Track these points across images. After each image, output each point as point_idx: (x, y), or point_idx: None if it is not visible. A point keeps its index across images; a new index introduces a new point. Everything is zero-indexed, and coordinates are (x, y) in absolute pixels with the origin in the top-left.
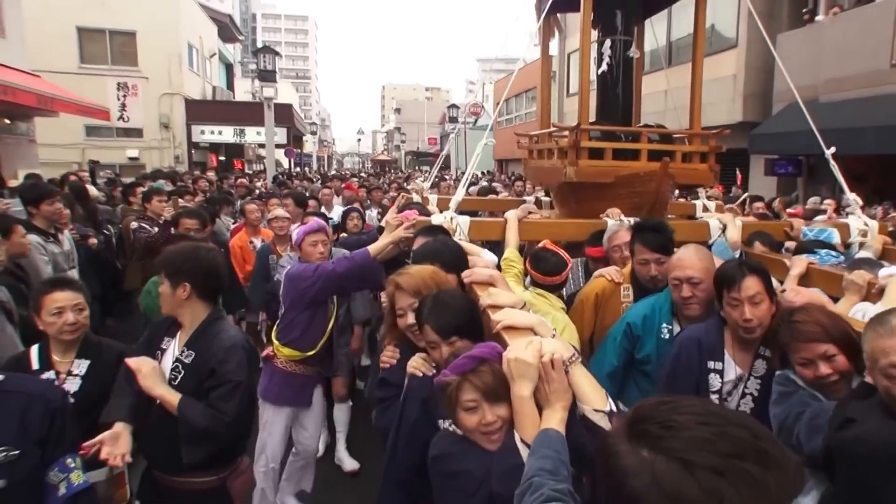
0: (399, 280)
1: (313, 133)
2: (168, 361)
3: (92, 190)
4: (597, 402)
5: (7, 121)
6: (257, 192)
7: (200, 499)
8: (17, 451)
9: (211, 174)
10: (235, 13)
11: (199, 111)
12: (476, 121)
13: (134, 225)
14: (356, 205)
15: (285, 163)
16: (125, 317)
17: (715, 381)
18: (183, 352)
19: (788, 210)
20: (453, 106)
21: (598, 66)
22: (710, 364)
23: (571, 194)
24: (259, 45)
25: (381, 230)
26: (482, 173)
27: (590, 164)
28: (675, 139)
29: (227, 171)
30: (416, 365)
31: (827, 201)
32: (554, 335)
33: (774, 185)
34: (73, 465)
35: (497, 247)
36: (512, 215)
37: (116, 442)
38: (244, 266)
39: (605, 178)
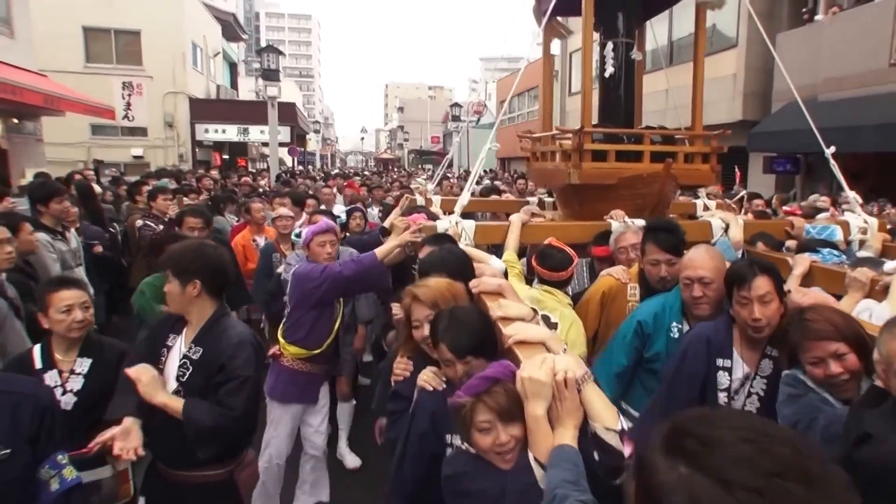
0: (416, 292)
1: (316, 131)
2: (175, 358)
3: (97, 188)
4: (609, 420)
5: (15, 120)
6: (261, 190)
7: (209, 491)
8: (8, 450)
9: (215, 173)
10: (239, 12)
11: (203, 110)
12: (479, 119)
13: (139, 223)
14: (358, 204)
15: (289, 161)
16: (130, 314)
17: (723, 378)
18: (190, 348)
19: (785, 208)
20: (456, 105)
21: (601, 68)
22: (719, 362)
23: (575, 196)
24: (263, 43)
25: (383, 230)
26: (485, 171)
27: (593, 166)
28: (677, 140)
29: (231, 170)
30: (427, 379)
31: (823, 198)
32: (565, 350)
33: (773, 182)
34: (63, 461)
35: (499, 250)
36: (516, 219)
37: (128, 436)
38: (246, 264)
39: (608, 179)
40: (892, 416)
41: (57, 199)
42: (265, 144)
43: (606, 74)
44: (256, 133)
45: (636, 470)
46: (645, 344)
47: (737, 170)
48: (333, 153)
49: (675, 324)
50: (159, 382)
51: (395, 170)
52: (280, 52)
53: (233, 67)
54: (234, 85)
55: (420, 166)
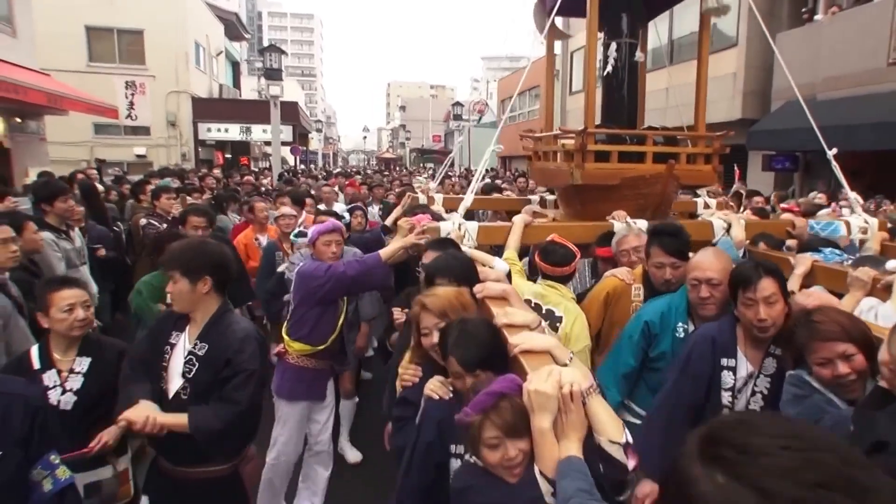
0: (425, 301)
1: (319, 130)
2: (179, 355)
3: (99, 187)
4: (613, 433)
5: (18, 119)
6: (263, 189)
7: (214, 486)
8: (0, 452)
9: (217, 172)
10: (242, 11)
11: (206, 109)
12: (480, 118)
13: (143, 221)
14: (359, 203)
15: (291, 160)
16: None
17: (728, 378)
18: (196, 345)
19: (782, 205)
20: (458, 104)
21: (605, 69)
22: (724, 361)
23: (577, 196)
24: (265, 43)
25: (384, 228)
26: (486, 170)
27: (596, 166)
28: (679, 140)
29: (234, 169)
30: (434, 388)
31: (819, 195)
32: (571, 358)
33: (772, 180)
34: (56, 461)
35: (502, 250)
36: (519, 220)
37: (142, 412)
38: (248, 262)
39: (611, 180)
40: None
41: (62, 198)
42: (267, 143)
43: (610, 75)
44: (259, 132)
45: (671, 477)
46: (650, 344)
47: (736, 168)
48: (335, 152)
49: (680, 324)
50: (154, 408)
51: (397, 169)
52: (282, 52)
53: (235, 67)
54: (236, 84)
55: (422, 165)
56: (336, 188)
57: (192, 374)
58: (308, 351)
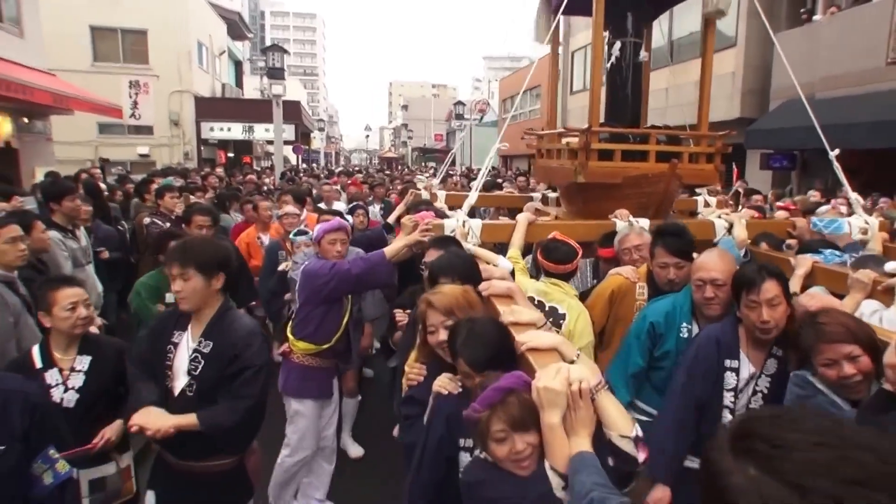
0: (432, 299)
1: (321, 129)
2: (183, 354)
3: (102, 186)
4: (623, 428)
5: (25, 119)
6: (265, 188)
7: (221, 479)
8: (2, 447)
9: (220, 171)
10: (244, 11)
11: (209, 108)
12: (482, 118)
13: (147, 220)
14: (359, 202)
15: (293, 159)
16: None
17: (731, 378)
18: (200, 342)
19: (778, 203)
20: (460, 103)
21: (609, 68)
22: (727, 362)
23: (579, 194)
24: (268, 42)
25: (386, 226)
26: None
27: (599, 165)
28: (681, 140)
29: (236, 168)
30: (443, 384)
31: (814, 193)
32: (578, 355)
33: (769, 179)
34: (55, 455)
35: (505, 248)
36: (523, 218)
37: (150, 417)
38: (250, 261)
39: (613, 179)
40: None
41: (69, 197)
42: (270, 142)
43: (614, 73)
44: (261, 131)
45: (702, 469)
46: (655, 344)
47: (735, 167)
48: (338, 151)
49: (684, 324)
50: (161, 412)
51: (399, 168)
52: (285, 51)
53: (238, 66)
54: (239, 83)
55: (423, 164)
56: (338, 187)
57: (199, 371)
58: (312, 350)
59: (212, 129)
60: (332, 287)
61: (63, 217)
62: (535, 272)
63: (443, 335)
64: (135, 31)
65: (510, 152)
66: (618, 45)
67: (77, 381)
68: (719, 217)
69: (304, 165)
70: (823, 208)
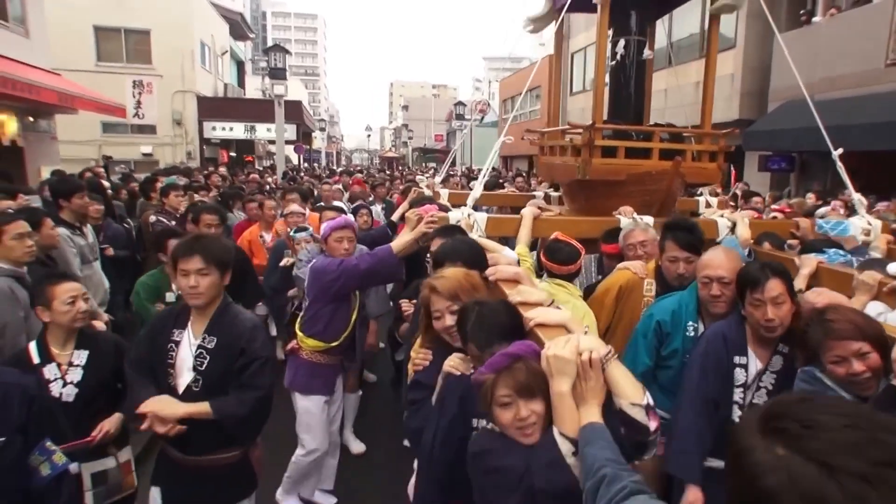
0: (435, 283)
1: (322, 129)
2: (186, 351)
3: (105, 184)
4: (634, 396)
5: (31, 119)
6: (268, 187)
7: (228, 472)
8: (3, 438)
9: (223, 170)
10: (246, 11)
11: (211, 108)
12: (482, 118)
13: (152, 219)
14: (360, 201)
15: (295, 159)
16: None
17: (740, 375)
18: (204, 338)
19: (773, 206)
20: (460, 103)
21: (612, 65)
22: (736, 359)
23: (581, 191)
24: (269, 42)
25: (390, 225)
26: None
27: (603, 162)
28: (684, 138)
29: (239, 167)
30: (454, 364)
31: (810, 195)
32: (586, 331)
33: (768, 180)
34: (52, 447)
35: (510, 243)
36: (528, 213)
37: (164, 403)
38: (252, 260)
39: (617, 176)
40: None
41: (79, 194)
42: (272, 142)
43: (618, 71)
44: (263, 131)
45: (729, 450)
46: (662, 343)
47: (732, 169)
48: (339, 151)
49: (690, 323)
50: (173, 400)
51: (399, 168)
52: (286, 51)
53: (240, 66)
54: (241, 83)
55: (424, 164)
56: (340, 186)
57: (204, 366)
58: (321, 347)
59: (214, 129)
60: (340, 284)
61: (71, 214)
62: (538, 272)
63: (449, 320)
64: (138, 31)
65: (510, 152)
66: (622, 42)
67: (75, 375)
68: (722, 216)
69: (306, 165)
70: (823, 210)
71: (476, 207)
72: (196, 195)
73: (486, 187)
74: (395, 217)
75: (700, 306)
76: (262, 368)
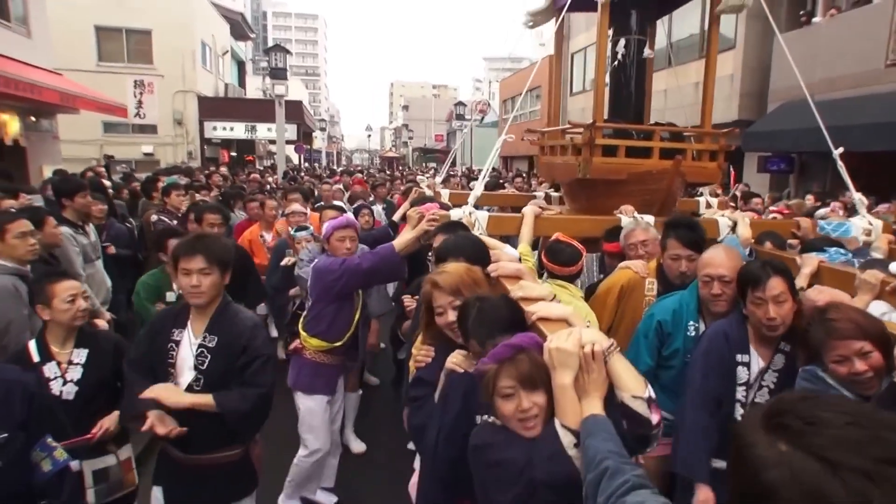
0: (437, 279)
1: (322, 129)
2: (187, 350)
3: (106, 184)
4: (636, 388)
5: (33, 118)
6: (268, 187)
7: (229, 470)
8: (6, 434)
9: (224, 170)
10: (247, 11)
11: (212, 108)
12: (483, 118)
13: (154, 218)
14: (360, 201)
15: (295, 158)
16: None
17: (743, 373)
18: (205, 337)
19: (771, 208)
20: (460, 103)
21: (613, 64)
22: (738, 357)
23: (582, 190)
24: (270, 42)
25: (392, 224)
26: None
27: (603, 161)
28: (685, 137)
29: (240, 167)
30: (457, 361)
31: (808, 196)
32: (589, 325)
33: (767, 182)
34: (53, 443)
35: (510, 242)
36: (529, 211)
37: (164, 420)
38: (253, 259)
39: (617, 175)
40: None
41: (82, 193)
42: (272, 142)
43: (618, 70)
44: (264, 131)
45: (732, 445)
46: (664, 343)
47: (731, 170)
48: (339, 151)
49: (691, 322)
50: (177, 388)
51: (399, 168)
52: (287, 52)
53: (241, 66)
54: (241, 83)
55: (423, 164)
56: (341, 186)
57: (206, 365)
58: (325, 347)
59: (215, 129)
60: (343, 283)
61: (74, 213)
62: (539, 273)
63: (451, 316)
64: (139, 31)
65: (510, 153)
66: (622, 42)
67: (75, 373)
68: (722, 216)
69: (306, 165)
70: (822, 211)
71: (477, 207)
72: (197, 195)
73: (487, 187)
74: (396, 217)
75: (701, 305)
76: (264, 366)
